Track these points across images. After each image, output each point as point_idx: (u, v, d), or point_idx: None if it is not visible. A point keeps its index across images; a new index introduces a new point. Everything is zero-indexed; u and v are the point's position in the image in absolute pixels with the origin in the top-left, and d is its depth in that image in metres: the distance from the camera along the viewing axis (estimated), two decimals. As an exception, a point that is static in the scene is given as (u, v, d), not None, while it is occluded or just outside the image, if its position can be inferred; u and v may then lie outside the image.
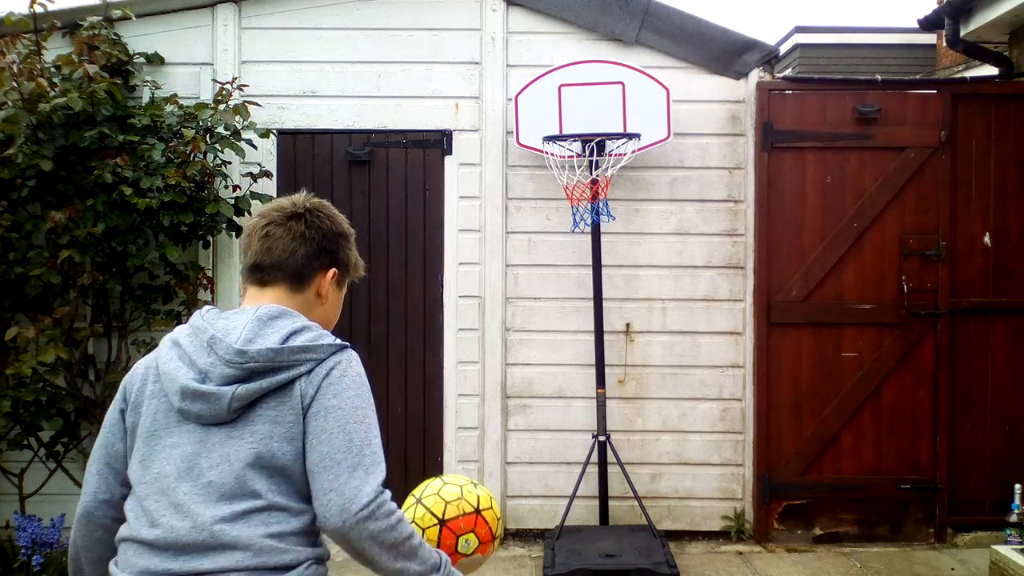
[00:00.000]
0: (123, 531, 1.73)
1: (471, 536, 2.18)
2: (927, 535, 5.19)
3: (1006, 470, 5.19)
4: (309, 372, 1.71)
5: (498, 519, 2.22)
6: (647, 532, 4.84)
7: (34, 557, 4.43)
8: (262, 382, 1.68)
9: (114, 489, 1.81)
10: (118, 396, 1.81)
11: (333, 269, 1.90)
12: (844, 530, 5.21)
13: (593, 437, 5.02)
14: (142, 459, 1.73)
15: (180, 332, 1.79)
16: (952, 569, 4.82)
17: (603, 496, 5.05)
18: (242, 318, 1.76)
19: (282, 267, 1.83)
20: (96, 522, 1.83)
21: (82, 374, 4.93)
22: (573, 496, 4.94)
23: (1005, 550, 4.45)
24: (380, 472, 1.67)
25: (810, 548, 5.14)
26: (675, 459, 5.28)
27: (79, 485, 4.91)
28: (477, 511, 2.19)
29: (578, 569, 4.43)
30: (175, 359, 1.73)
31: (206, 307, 1.84)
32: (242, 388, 1.67)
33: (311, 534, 1.71)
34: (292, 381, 1.70)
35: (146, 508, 1.69)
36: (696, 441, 5.28)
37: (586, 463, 4.98)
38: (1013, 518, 4.83)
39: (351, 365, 1.76)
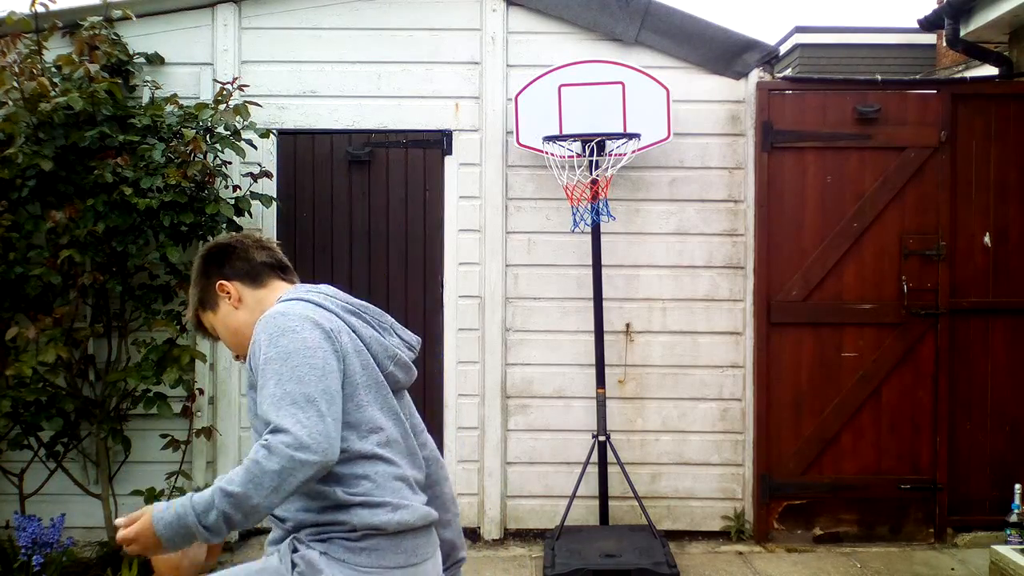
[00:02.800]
0: (386, 469, 2.01)
1: None
2: (927, 535, 5.20)
3: (1006, 470, 5.19)
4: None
5: None
6: (647, 532, 4.84)
7: (34, 557, 4.43)
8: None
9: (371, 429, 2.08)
10: (330, 340, 2.00)
11: None
12: (844, 530, 5.21)
13: (593, 437, 5.02)
14: (376, 408, 2.05)
15: (346, 304, 2.15)
16: (952, 569, 4.82)
17: (603, 496, 5.05)
18: (359, 302, 2.22)
19: (285, 267, 2.34)
20: (357, 464, 2.06)
21: (82, 374, 4.93)
22: (573, 496, 4.94)
23: (1005, 550, 4.45)
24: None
25: (810, 548, 5.14)
26: (675, 459, 5.28)
27: (79, 485, 4.96)
28: None
29: (578, 569, 4.43)
30: (370, 329, 2.13)
31: (326, 287, 2.22)
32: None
33: None
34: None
35: (396, 454, 2.06)
36: (696, 441, 5.28)
37: (586, 463, 4.98)
38: (1013, 518, 4.83)
39: None
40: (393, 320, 2.23)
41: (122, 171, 4.52)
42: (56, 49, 4.92)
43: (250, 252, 2.25)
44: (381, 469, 1.97)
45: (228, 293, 2.20)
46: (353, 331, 2.07)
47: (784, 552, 5.10)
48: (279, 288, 2.24)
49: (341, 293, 2.20)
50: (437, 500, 2.24)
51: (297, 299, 2.09)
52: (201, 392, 5.07)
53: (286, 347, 1.90)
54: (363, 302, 2.20)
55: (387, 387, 2.09)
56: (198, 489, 4.86)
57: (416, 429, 2.20)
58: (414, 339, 2.26)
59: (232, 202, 4.88)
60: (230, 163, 4.99)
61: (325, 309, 2.07)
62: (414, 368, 2.21)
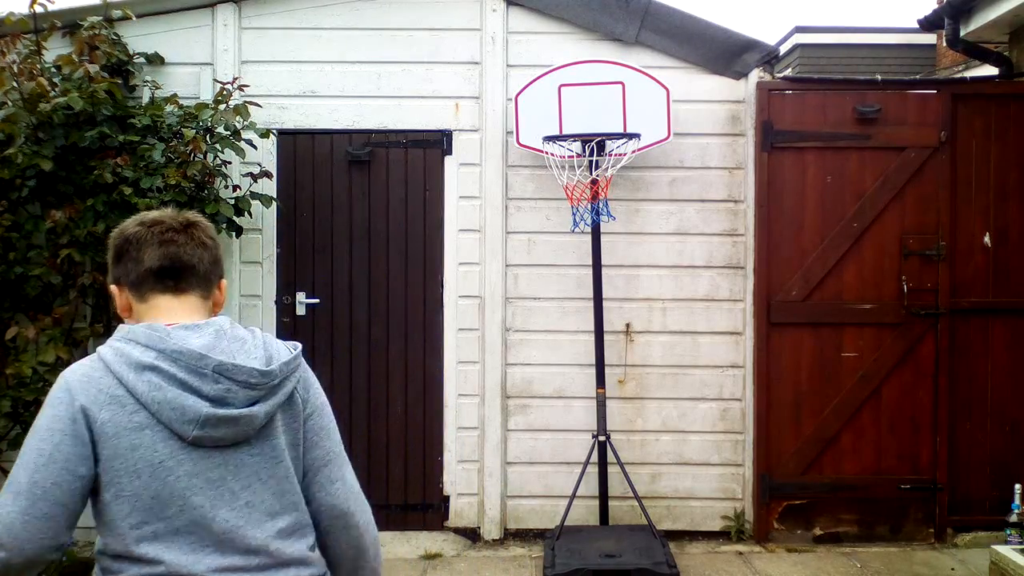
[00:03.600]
0: (144, 568, 1.63)
1: None
2: (927, 535, 5.20)
3: (1006, 470, 5.19)
4: (299, 379, 1.77)
5: None
6: (647, 532, 4.84)
7: (34, 557, 4.42)
8: (279, 396, 1.71)
9: (63, 532, 1.62)
10: (67, 424, 1.62)
11: (224, 280, 1.90)
12: (844, 530, 5.21)
13: (593, 437, 5.02)
14: (154, 495, 1.62)
15: (142, 359, 1.64)
16: (952, 569, 4.82)
17: (603, 496, 5.05)
18: (207, 335, 1.70)
19: (194, 273, 1.79)
20: (38, 566, 1.63)
21: (82, 374, 4.92)
22: (573, 496, 4.94)
23: (1005, 550, 4.45)
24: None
25: (810, 548, 5.14)
26: (675, 459, 5.28)
27: (79, 485, 4.92)
28: None
29: (578, 569, 4.43)
30: (169, 387, 1.63)
31: (146, 328, 1.69)
32: (268, 405, 1.69)
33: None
34: (293, 390, 1.75)
35: (173, 544, 1.63)
36: (696, 441, 5.28)
37: (586, 463, 4.98)
38: (1013, 518, 4.83)
39: (303, 361, 1.85)
40: (220, 361, 1.66)
41: (122, 171, 4.52)
42: (56, 49, 4.92)
43: (143, 250, 1.76)
44: (135, 571, 1.62)
45: (116, 301, 1.81)
46: (138, 398, 1.63)
47: (784, 552, 5.10)
48: (156, 309, 1.76)
49: (163, 332, 1.68)
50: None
51: (104, 347, 1.71)
52: (201, 392, 5.06)
53: (37, 422, 1.64)
54: (184, 346, 1.66)
55: (174, 462, 1.63)
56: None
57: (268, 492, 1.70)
58: (257, 375, 1.67)
59: (232, 202, 4.88)
60: (230, 163, 4.99)
61: (108, 370, 1.65)
62: (255, 417, 1.67)
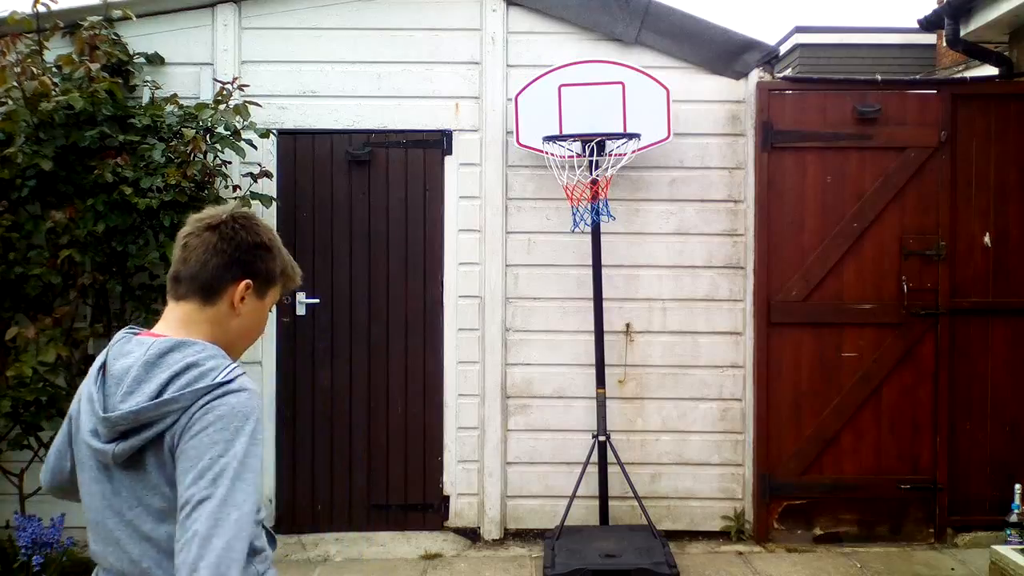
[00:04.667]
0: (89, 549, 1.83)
1: None
2: (927, 535, 5.19)
3: (1006, 470, 5.19)
4: (174, 423, 1.67)
5: None
6: (647, 532, 4.84)
7: (34, 557, 4.43)
8: (134, 440, 1.69)
9: (59, 469, 1.99)
10: (74, 401, 1.86)
11: (247, 280, 1.83)
12: (844, 530, 5.21)
13: (593, 437, 5.02)
14: (80, 484, 1.84)
15: (94, 366, 1.80)
16: (952, 569, 4.82)
17: (603, 496, 5.05)
18: (136, 356, 1.74)
19: (194, 279, 1.81)
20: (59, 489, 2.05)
21: (82, 374, 4.93)
22: (573, 496, 4.94)
23: (1005, 550, 4.45)
24: (223, 509, 1.61)
25: (810, 548, 5.14)
26: (675, 459, 5.28)
27: (79, 485, 4.93)
28: None
29: (578, 569, 4.43)
30: (86, 402, 1.77)
31: (122, 334, 1.82)
32: (119, 448, 1.70)
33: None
34: (162, 433, 1.68)
35: (94, 536, 1.81)
36: (696, 441, 5.28)
37: (586, 463, 4.98)
38: (1013, 518, 4.83)
39: (224, 400, 1.68)
40: (91, 393, 1.74)
41: (122, 171, 4.52)
42: (56, 49, 4.92)
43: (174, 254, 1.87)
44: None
45: None
46: (79, 402, 1.81)
47: (784, 552, 5.10)
48: (163, 315, 1.86)
49: (122, 339, 1.81)
50: None
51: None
52: (201, 392, 5.06)
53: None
54: (95, 367, 1.78)
55: (91, 464, 1.77)
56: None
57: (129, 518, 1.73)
58: (104, 416, 1.70)
59: (232, 202, 4.88)
60: (230, 163, 4.99)
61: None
62: (106, 451, 1.71)
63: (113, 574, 1.76)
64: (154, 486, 1.70)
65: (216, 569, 1.54)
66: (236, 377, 1.72)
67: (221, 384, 1.69)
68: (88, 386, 1.77)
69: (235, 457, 1.63)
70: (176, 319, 1.81)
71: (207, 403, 1.67)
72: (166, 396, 1.67)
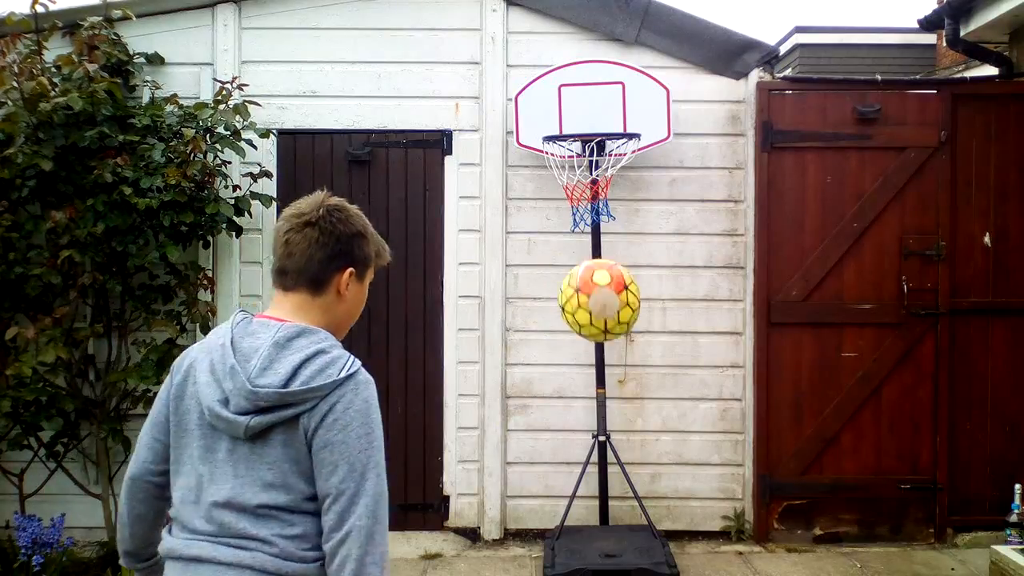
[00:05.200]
0: (171, 510, 1.93)
1: (604, 272, 2.77)
2: (927, 535, 5.19)
3: (1006, 470, 5.19)
4: (312, 408, 1.81)
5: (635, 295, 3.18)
6: (647, 532, 4.84)
7: (34, 557, 4.43)
8: (271, 416, 1.81)
9: (160, 459, 1.97)
10: (168, 378, 1.97)
11: (350, 268, 2.00)
12: (844, 530, 5.21)
13: (593, 437, 5.02)
14: (181, 452, 1.90)
15: (215, 343, 1.89)
16: (952, 569, 4.82)
17: (603, 496, 5.05)
18: (264, 337, 1.88)
19: (302, 273, 1.94)
20: (141, 484, 2.00)
21: (82, 374, 4.93)
22: (573, 496, 4.94)
23: (1005, 550, 4.45)
24: (382, 520, 1.80)
25: (810, 548, 5.14)
26: (675, 459, 5.28)
27: (79, 485, 4.96)
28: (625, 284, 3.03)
29: (578, 569, 4.43)
30: (207, 373, 1.87)
31: (238, 315, 1.96)
32: (254, 420, 1.81)
33: (315, 538, 1.83)
34: (297, 416, 1.81)
35: (185, 499, 1.88)
36: (696, 441, 5.28)
37: (586, 463, 4.98)
38: (1013, 518, 4.83)
39: (356, 394, 1.85)
40: (232, 365, 1.84)
41: (122, 171, 4.52)
42: (56, 49, 4.92)
43: (275, 248, 1.99)
44: (168, 506, 1.98)
45: None
46: (195, 372, 1.91)
47: (784, 552, 5.10)
48: (272, 301, 2.00)
49: (230, 325, 1.94)
50: None
51: None
52: (201, 392, 5.06)
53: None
54: (223, 342, 1.89)
55: (196, 433, 1.88)
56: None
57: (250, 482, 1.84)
58: (251, 388, 1.81)
59: (232, 202, 4.88)
60: (230, 163, 4.99)
61: (201, 345, 1.96)
62: (238, 422, 1.81)
63: (198, 534, 1.84)
64: (273, 461, 1.82)
65: (382, 562, 1.76)
66: (360, 368, 1.90)
67: (352, 375, 1.86)
68: (210, 359, 1.87)
69: (377, 450, 1.82)
70: (290, 307, 1.95)
71: (344, 395, 1.83)
72: (307, 383, 1.81)
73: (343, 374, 1.84)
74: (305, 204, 1.97)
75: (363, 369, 1.91)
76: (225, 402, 1.82)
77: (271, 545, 1.79)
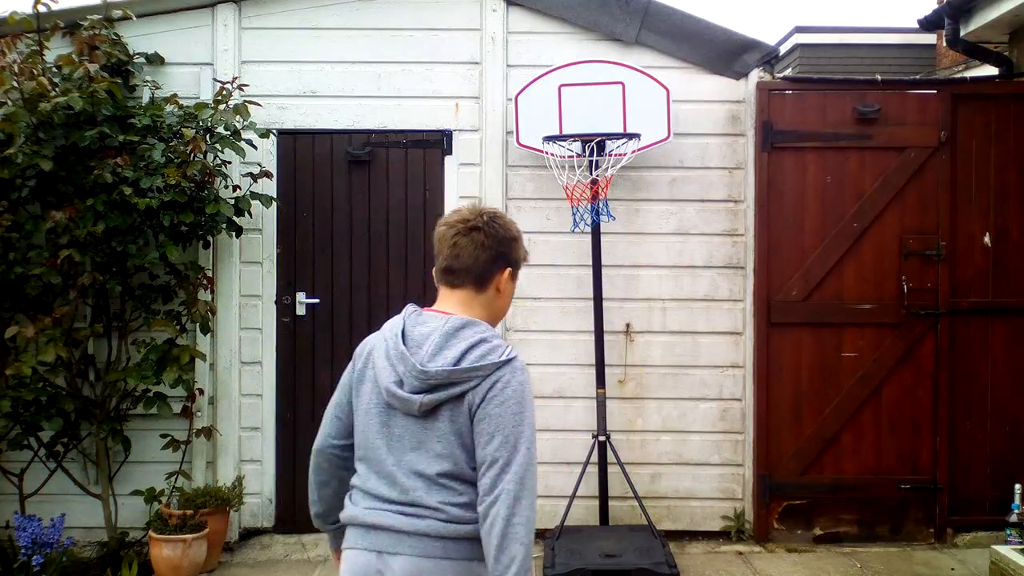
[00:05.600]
0: (354, 480, 2.22)
1: None
2: (927, 535, 5.19)
3: (1006, 470, 5.19)
4: (476, 386, 2.08)
5: None
6: (647, 532, 4.84)
7: (34, 557, 4.43)
8: (441, 394, 2.08)
9: (341, 435, 2.28)
10: (350, 364, 2.27)
11: (508, 268, 2.25)
12: (844, 530, 5.21)
13: (593, 437, 5.02)
14: (362, 429, 2.19)
15: (389, 331, 2.19)
16: (952, 569, 4.82)
17: (603, 496, 5.05)
18: (434, 326, 2.16)
19: (468, 272, 2.21)
20: (325, 455, 2.31)
21: (82, 374, 4.93)
22: (573, 496, 4.94)
23: (1005, 550, 4.45)
24: (530, 487, 2.11)
25: (810, 548, 5.14)
26: (675, 459, 5.28)
27: (79, 485, 4.96)
28: None
29: (578, 569, 4.43)
30: (383, 358, 2.15)
31: (409, 307, 2.25)
32: (427, 398, 2.09)
33: (476, 506, 2.10)
34: (463, 393, 2.08)
35: (367, 470, 2.18)
36: (696, 441, 5.28)
37: (586, 463, 4.98)
38: (1013, 518, 4.83)
39: (513, 377, 2.10)
40: (402, 351, 2.12)
41: (122, 171, 4.52)
42: (56, 49, 4.92)
43: (440, 250, 2.25)
44: (350, 475, 2.27)
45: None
46: (373, 358, 2.20)
47: (784, 552, 5.10)
48: (439, 295, 2.28)
49: (403, 316, 2.23)
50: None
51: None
52: (201, 392, 5.07)
53: None
54: (396, 331, 2.17)
55: (375, 412, 2.16)
56: (197, 489, 4.88)
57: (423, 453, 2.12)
58: (419, 373, 2.09)
59: (232, 202, 4.88)
60: (230, 163, 4.99)
61: (377, 335, 2.24)
62: (412, 400, 2.08)
63: (380, 500, 2.13)
64: (442, 434, 2.10)
65: (527, 525, 2.06)
66: (516, 356, 2.14)
67: (509, 361, 2.10)
68: (385, 345, 2.16)
69: (529, 427, 2.10)
70: (456, 302, 2.23)
71: (503, 376, 2.08)
72: (473, 364, 2.07)
73: (502, 358, 2.09)
74: (467, 211, 2.25)
75: (519, 357, 2.15)
76: (400, 383, 2.10)
77: (442, 512, 2.07)
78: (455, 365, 2.08)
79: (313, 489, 2.35)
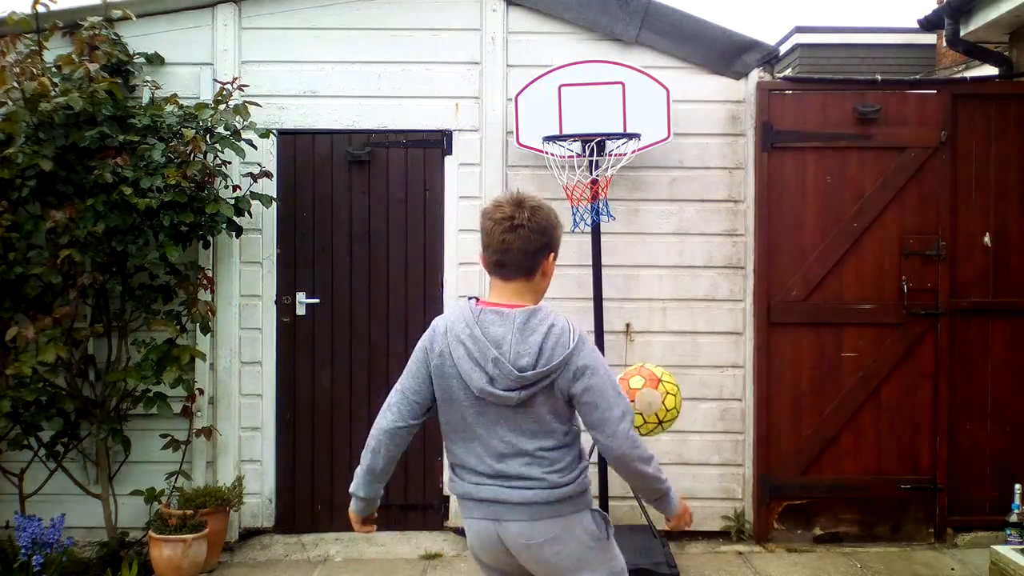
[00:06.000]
0: (453, 459, 2.55)
1: (637, 377, 3.53)
2: (927, 535, 5.19)
3: (1006, 470, 5.19)
4: (561, 373, 2.40)
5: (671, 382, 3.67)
6: (647, 532, 4.84)
7: (34, 557, 4.43)
8: (534, 388, 2.39)
9: (408, 417, 2.54)
10: (420, 353, 2.54)
11: (552, 253, 2.54)
12: (844, 530, 5.21)
13: (593, 437, 5.01)
14: (459, 415, 2.47)
15: (461, 332, 2.43)
16: (952, 569, 4.82)
17: (603, 496, 5.04)
18: (506, 327, 2.42)
19: (519, 267, 2.47)
20: (401, 435, 2.56)
21: (82, 374, 4.93)
22: (573, 496, 4.93)
23: (1005, 550, 4.44)
24: (631, 414, 2.48)
25: (810, 548, 5.14)
26: (675, 459, 5.28)
27: (79, 485, 4.96)
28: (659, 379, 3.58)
29: (578, 569, 4.42)
30: (467, 361, 2.41)
31: (470, 303, 2.48)
32: (523, 394, 2.39)
33: (574, 463, 2.52)
34: (552, 381, 2.40)
35: (467, 450, 2.49)
36: (696, 441, 5.28)
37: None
38: (1013, 518, 4.83)
39: (588, 356, 2.42)
40: (496, 356, 2.38)
41: (122, 171, 4.52)
42: (56, 49, 4.92)
43: (490, 243, 2.51)
44: (447, 457, 2.60)
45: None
46: (451, 353, 2.45)
47: (784, 552, 5.10)
48: (493, 286, 2.55)
49: (477, 315, 2.46)
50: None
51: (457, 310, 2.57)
52: (201, 392, 5.07)
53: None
54: (475, 333, 2.42)
55: (466, 404, 2.44)
56: (197, 489, 4.89)
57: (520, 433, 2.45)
58: (514, 375, 2.38)
59: (232, 202, 4.88)
60: (230, 163, 4.99)
61: (445, 334, 2.49)
62: (510, 399, 2.39)
63: (487, 476, 2.46)
64: (537, 416, 2.43)
65: (652, 461, 2.68)
66: (579, 328, 2.46)
67: (579, 340, 2.42)
68: (463, 347, 2.42)
69: (611, 377, 2.46)
70: (511, 291, 2.49)
71: (580, 352, 2.41)
72: (554, 359, 2.38)
73: (573, 341, 2.40)
74: (508, 207, 2.46)
75: (579, 327, 2.46)
76: (491, 381, 2.38)
77: (545, 481, 2.43)
78: (538, 359, 2.38)
79: (380, 461, 2.57)
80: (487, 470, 2.46)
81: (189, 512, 4.67)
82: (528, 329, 2.41)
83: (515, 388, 2.38)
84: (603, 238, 5.06)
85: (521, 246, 2.45)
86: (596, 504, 2.65)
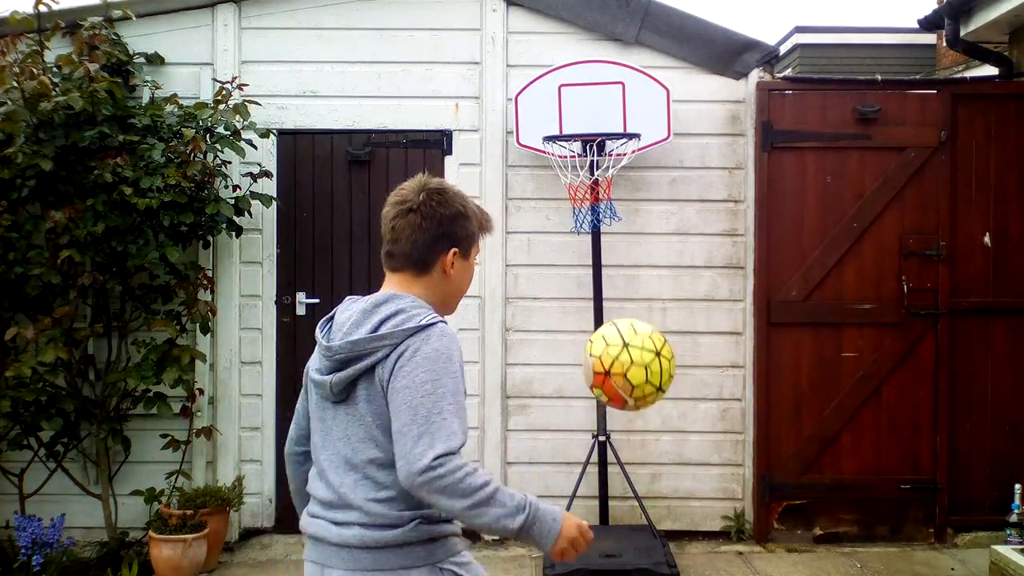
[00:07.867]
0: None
1: (599, 391, 2.67)
2: (927, 535, 5.19)
3: (1006, 470, 5.18)
4: (385, 357, 1.92)
5: (630, 384, 2.63)
6: (647, 532, 4.84)
7: (34, 557, 4.43)
8: (349, 370, 1.95)
9: (297, 438, 2.20)
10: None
11: (454, 248, 2.07)
12: (844, 530, 5.21)
13: (593, 437, 5.02)
14: (312, 431, 2.11)
15: (320, 327, 2.12)
16: (952, 569, 4.82)
17: (603, 496, 5.05)
18: (356, 308, 2.03)
19: (408, 256, 2.06)
20: (290, 458, 2.24)
21: (82, 374, 4.93)
22: (573, 496, 4.94)
23: (1005, 550, 4.44)
24: (446, 438, 1.85)
25: (810, 548, 5.14)
26: (675, 459, 5.28)
27: (79, 485, 4.97)
28: (605, 373, 2.62)
29: (578, 569, 4.43)
30: (316, 350, 2.08)
31: (348, 297, 2.12)
32: (336, 377, 1.97)
33: (411, 498, 1.93)
34: (373, 367, 1.93)
35: (312, 470, 2.10)
36: (696, 441, 5.28)
37: (586, 463, 4.98)
38: (1013, 518, 4.82)
39: (426, 343, 1.91)
40: (318, 336, 2.06)
41: (122, 171, 4.52)
42: (56, 49, 4.92)
43: (383, 233, 2.16)
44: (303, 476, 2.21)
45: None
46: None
47: (784, 552, 5.10)
48: (385, 279, 2.15)
49: (348, 300, 2.13)
50: None
51: None
52: (201, 392, 5.07)
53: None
54: (340, 312, 2.09)
55: (315, 408, 2.07)
56: (197, 489, 4.89)
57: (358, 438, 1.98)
58: (325, 350, 1.99)
59: (232, 202, 4.88)
60: (230, 163, 4.99)
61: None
62: (326, 384, 1.99)
63: (318, 505, 2.02)
64: (360, 417, 1.96)
65: (440, 480, 1.84)
66: (437, 323, 1.95)
67: (425, 327, 1.92)
68: (316, 335, 2.07)
69: (442, 397, 1.87)
70: (394, 284, 2.08)
71: (412, 344, 1.90)
72: (376, 337, 1.92)
73: (415, 324, 1.92)
74: (407, 190, 2.08)
75: (444, 326, 1.96)
76: (320, 369, 2.02)
77: (365, 513, 1.93)
78: (356, 332, 1.95)
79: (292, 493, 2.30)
80: (323, 495, 2.01)
81: (189, 512, 4.67)
82: (375, 311, 1.98)
83: (330, 370, 1.98)
84: (603, 238, 5.07)
85: (410, 234, 2.03)
86: (462, 560, 2.06)
